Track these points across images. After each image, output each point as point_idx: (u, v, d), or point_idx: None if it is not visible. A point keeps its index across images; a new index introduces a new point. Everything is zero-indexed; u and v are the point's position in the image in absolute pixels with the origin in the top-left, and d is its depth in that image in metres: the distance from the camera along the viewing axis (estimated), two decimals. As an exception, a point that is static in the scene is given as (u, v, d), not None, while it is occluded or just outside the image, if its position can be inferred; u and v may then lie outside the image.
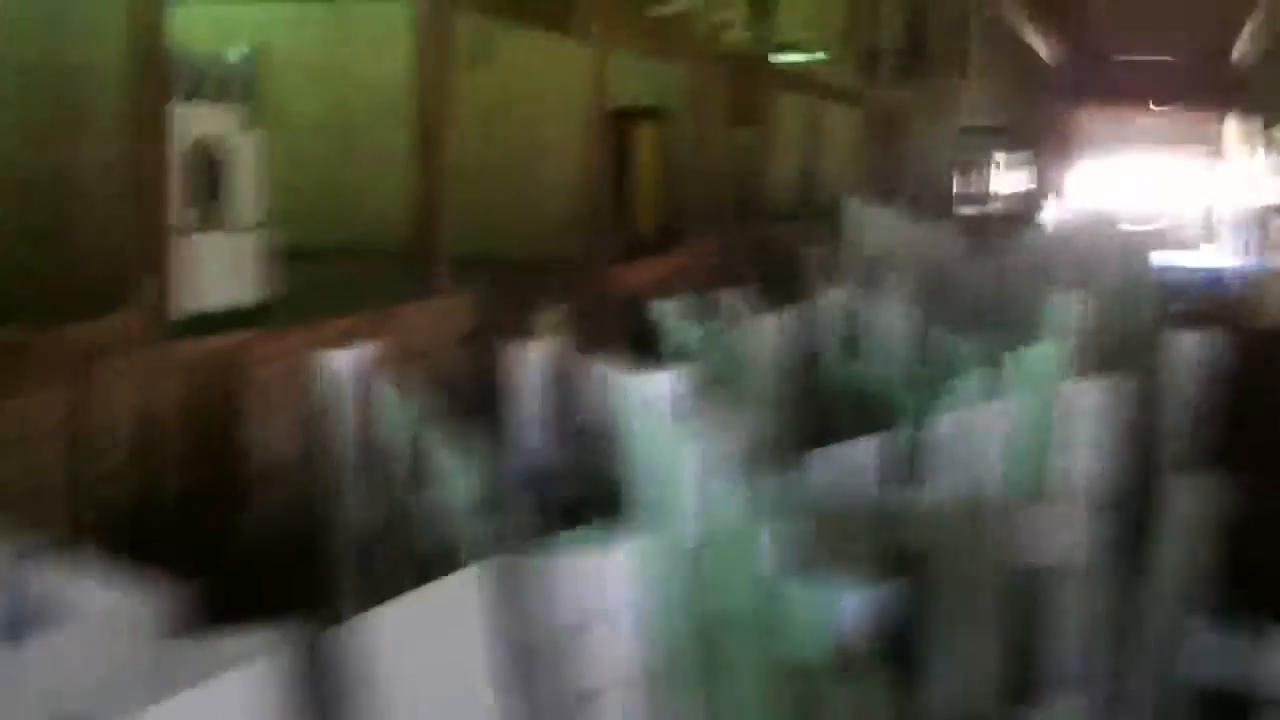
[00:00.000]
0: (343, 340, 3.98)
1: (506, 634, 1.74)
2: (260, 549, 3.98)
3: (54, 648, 2.26)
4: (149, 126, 3.98)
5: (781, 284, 6.63)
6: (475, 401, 4.16)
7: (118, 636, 2.34)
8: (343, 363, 3.92)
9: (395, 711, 1.77)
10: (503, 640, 1.72)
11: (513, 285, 5.96)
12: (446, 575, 3.17)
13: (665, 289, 5.50)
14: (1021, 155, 27.54)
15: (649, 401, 3.12)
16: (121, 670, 2.30)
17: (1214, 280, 16.71)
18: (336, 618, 3.40)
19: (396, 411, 3.64)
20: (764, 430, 4.07)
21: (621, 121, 9.25)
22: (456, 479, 3.38)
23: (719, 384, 4.47)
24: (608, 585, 1.65)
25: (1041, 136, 29.13)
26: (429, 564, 3.40)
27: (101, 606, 2.21)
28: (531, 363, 4.33)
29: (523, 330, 5.35)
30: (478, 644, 1.71)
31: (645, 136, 9.75)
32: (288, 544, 3.90)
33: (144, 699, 1.98)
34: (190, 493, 3.93)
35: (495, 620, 1.71)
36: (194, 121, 4.81)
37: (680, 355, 4.68)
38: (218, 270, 4.78)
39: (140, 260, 3.92)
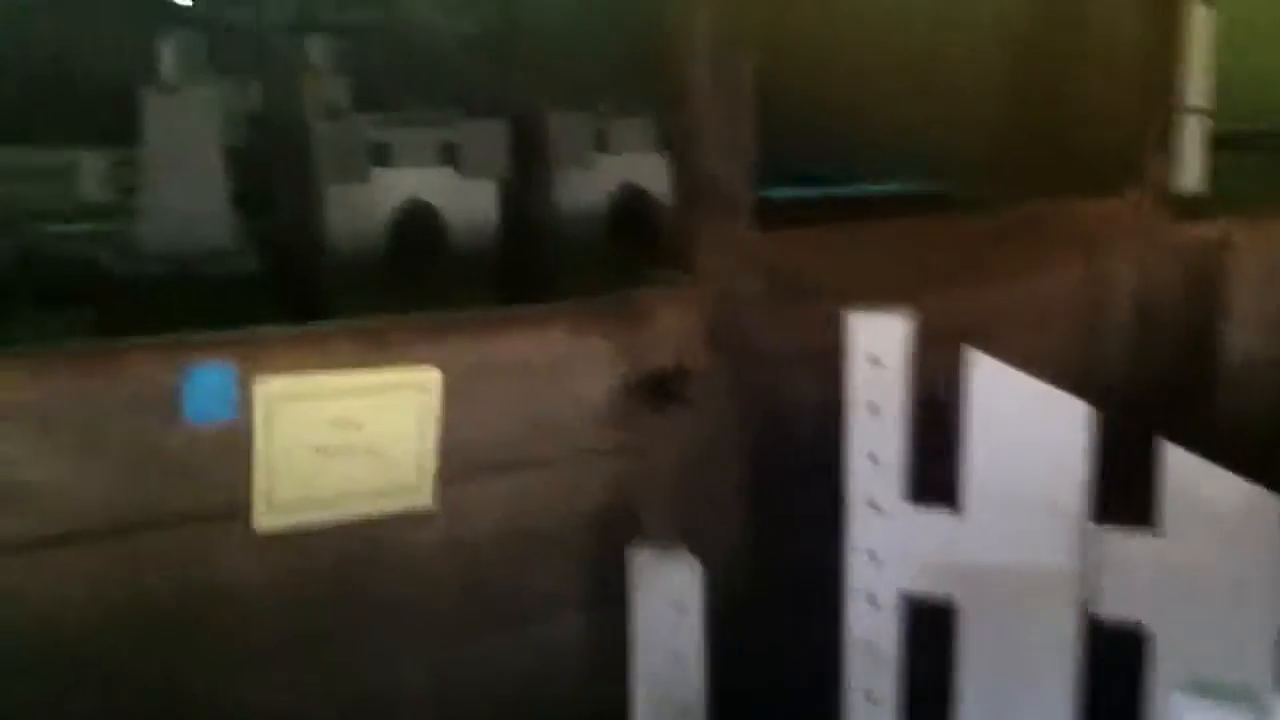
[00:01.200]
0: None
1: None
2: (1234, 447, 3.78)
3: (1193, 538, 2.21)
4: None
5: None
6: None
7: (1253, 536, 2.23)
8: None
9: None
10: None
11: None
12: None
13: None
14: None
15: None
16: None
17: None
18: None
19: None
20: None
21: None
22: None
23: None
24: None
25: None
26: None
27: (1236, 504, 2.12)
28: None
29: None
30: None
31: None
32: (1264, 443, 3.66)
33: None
34: (1174, 381, 3.81)
35: None
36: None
37: None
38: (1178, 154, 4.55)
39: (1149, 137, 3.82)
